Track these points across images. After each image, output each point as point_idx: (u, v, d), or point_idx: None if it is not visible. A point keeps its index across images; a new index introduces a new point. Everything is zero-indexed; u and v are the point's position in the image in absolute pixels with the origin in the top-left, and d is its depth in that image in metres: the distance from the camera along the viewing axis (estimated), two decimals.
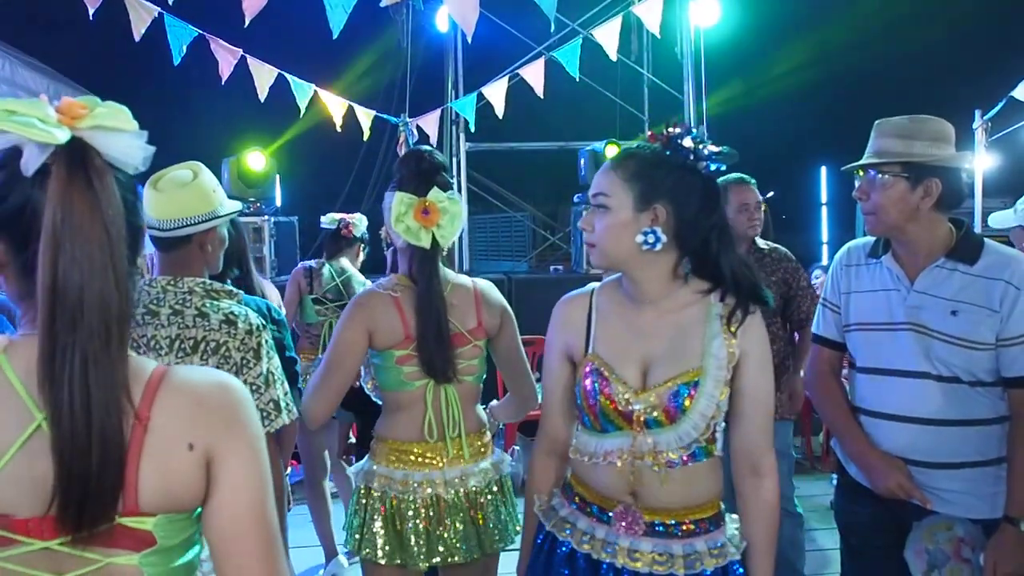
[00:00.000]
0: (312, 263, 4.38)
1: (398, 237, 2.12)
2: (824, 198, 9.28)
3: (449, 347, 2.12)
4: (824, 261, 8.49)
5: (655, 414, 1.62)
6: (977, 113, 5.84)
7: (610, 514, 1.67)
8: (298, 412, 2.11)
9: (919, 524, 2.05)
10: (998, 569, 1.96)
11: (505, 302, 2.28)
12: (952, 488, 2.02)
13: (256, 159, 6.52)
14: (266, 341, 2.02)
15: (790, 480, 3.30)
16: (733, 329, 1.63)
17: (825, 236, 9.18)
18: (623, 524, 1.65)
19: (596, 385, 1.66)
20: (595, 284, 1.80)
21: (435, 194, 2.11)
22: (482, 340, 2.21)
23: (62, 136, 0.93)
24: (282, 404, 2.02)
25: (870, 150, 2.09)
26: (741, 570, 1.67)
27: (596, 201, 1.66)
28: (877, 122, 2.10)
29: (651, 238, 1.61)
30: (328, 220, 4.49)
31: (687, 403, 1.61)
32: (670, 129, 1.65)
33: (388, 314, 2.11)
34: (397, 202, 2.09)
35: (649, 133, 1.69)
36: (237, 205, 2.13)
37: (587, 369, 1.68)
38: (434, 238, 2.12)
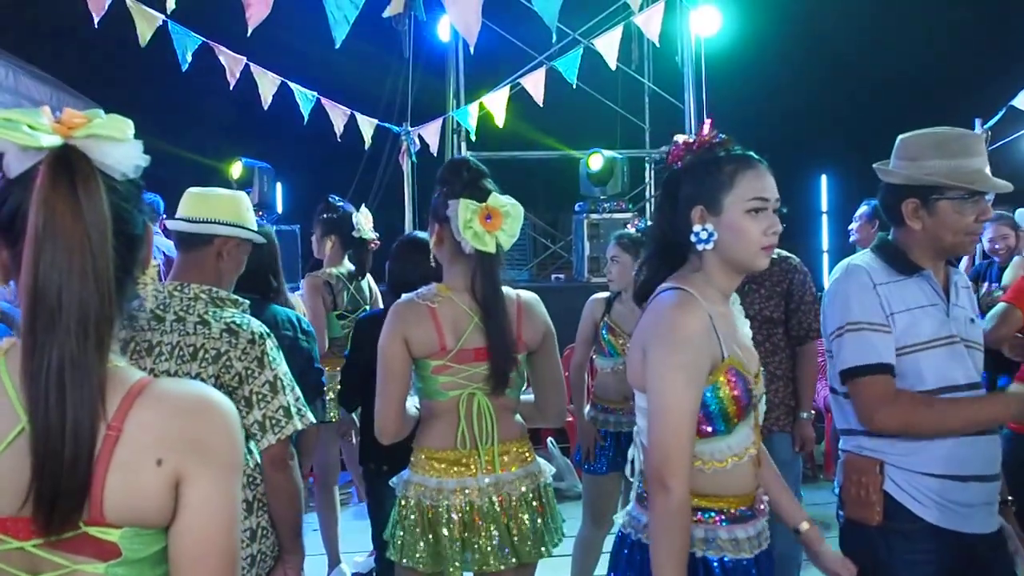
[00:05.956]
0: (331, 278, 3.95)
1: (467, 244, 2.10)
2: (824, 207, 9.29)
3: (514, 357, 2.15)
4: (824, 269, 8.48)
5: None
6: (977, 122, 5.85)
7: (751, 509, 1.74)
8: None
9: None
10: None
11: (548, 317, 2.27)
12: (992, 500, 1.98)
13: (236, 168, 6.66)
14: (271, 348, 2.02)
15: (797, 490, 3.27)
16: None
17: (825, 244, 9.18)
18: (760, 510, 1.76)
19: (744, 386, 1.67)
20: (678, 290, 1.67)
21: (495, 199, 2.12)
22: (521, 354, 2.20)
23: (47, 141, 0.95)
24: (293, 410, 2.01)
25: (1002, 182, 2.03)
26: None
27: (778, 205, 1.71)
28: (981, 144, 2.05)
29: None
30: (366, 228, 4.00)
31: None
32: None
33: (423, 324, 2.11)
34: (463, 208, 2.08)
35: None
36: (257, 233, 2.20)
37: (731, 373, 1.66)
38: (497, 243, 2.12)
